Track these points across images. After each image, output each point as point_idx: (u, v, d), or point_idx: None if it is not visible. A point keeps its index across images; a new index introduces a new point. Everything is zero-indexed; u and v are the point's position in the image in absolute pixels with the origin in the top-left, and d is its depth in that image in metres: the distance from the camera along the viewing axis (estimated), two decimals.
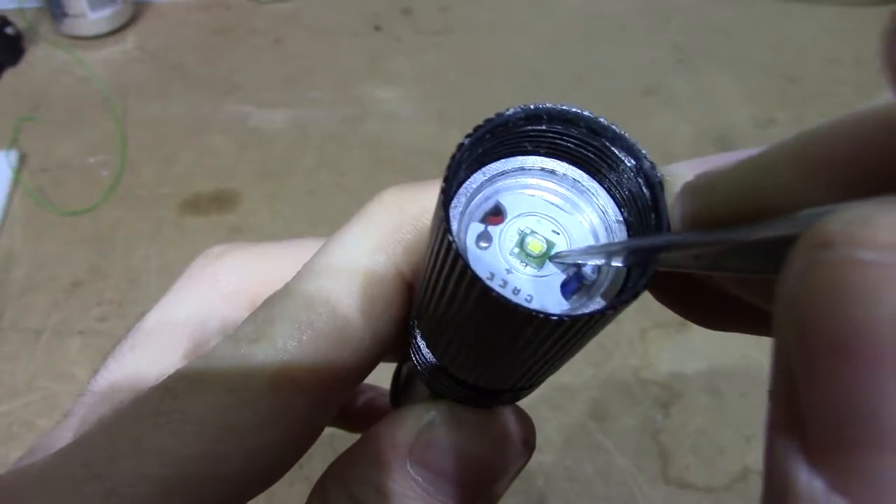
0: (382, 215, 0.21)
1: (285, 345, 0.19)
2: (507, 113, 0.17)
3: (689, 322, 0.20)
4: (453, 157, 0.17)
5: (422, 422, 0.21)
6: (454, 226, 0.18)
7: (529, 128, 0.18)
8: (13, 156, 0.82)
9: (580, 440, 0.62)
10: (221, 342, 0.20)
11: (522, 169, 0.19)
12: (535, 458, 0.61)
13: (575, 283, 0.18)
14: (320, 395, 0.20)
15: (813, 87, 0.96)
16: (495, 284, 0.18)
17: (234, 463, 0.18)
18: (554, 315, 0.15)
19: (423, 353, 0.21)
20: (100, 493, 0.17)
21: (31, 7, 1.01)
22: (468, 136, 0.17)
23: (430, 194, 0.21)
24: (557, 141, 0.19)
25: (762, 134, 0.89)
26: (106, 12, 0.98)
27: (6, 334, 0.68)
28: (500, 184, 0.19)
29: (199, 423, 0.18)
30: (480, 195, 0.19)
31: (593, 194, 0.19)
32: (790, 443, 0.10)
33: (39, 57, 0.97)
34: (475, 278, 0.15)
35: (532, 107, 0.18)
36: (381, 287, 0.20)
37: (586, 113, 0.18)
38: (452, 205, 0.18)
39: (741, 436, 0.63)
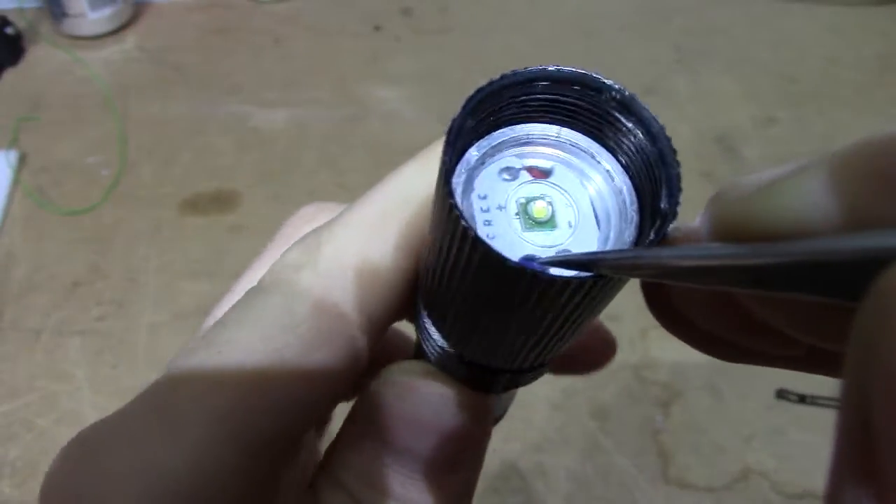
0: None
1: (329, 271, 0.20)
2: (594, 74, 0.18)
3: None
4: (506, 74, 0.17)
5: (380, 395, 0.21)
6: (472, 148, 0.18)
7: (614, 107, 0.18)
8: (13, 156, 0.82)
9: (580, 440, 0.62)
10: (268, 272, 0.20)
11: (594, 157, 0.19)
12: (535, 457, 0.61)
13: (537, 265, 0.17)
14: (362, 321, 0.20)
15: (813, 87, 0.95)
16: (479, 206, 0.18)
17: (285, 391, 0.19)
18: (480, 239, 0.15)
19: (420, 313, 0.21)
20: (170, 434, 0.17)
21: (31, 7, 1.01)
22: (551, 66, 0.17)
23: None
24: (629, 151, 0.18)
25: (762, 134, 0.89)
26: (106, 12, 0.98)
27: (6, 334, 0.68)
28: (572, 156, 0.19)
29: (245, 352, 0.18)
30: (547, 147, 0.19)
31: (631, 221, 0.18)
32: (863, 491, 0.09)
33: (39, 57, 0.97)
34: (447, 183, 0.15)
35: (621, 88, 0.18)
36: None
37: (657, 125, 0.17)
38: (510, 126, 0.18)
39: (741, 436, 0.63)
